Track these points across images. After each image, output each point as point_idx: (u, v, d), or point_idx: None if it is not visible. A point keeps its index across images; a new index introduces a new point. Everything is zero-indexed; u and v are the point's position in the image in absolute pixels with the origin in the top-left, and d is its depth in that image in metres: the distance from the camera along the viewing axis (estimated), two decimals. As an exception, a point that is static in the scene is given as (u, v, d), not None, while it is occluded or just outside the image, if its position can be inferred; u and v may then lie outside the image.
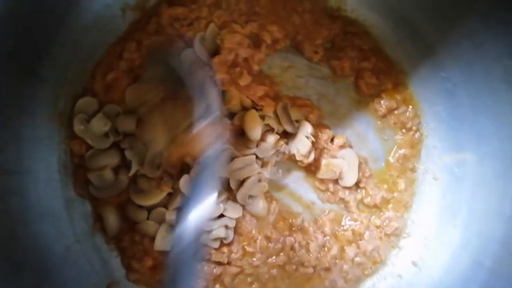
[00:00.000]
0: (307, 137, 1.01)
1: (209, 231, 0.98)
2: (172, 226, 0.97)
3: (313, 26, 1.04)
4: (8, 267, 0.78)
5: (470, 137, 0.95)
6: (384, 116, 1.07)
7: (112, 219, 0.96)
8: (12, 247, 0.80)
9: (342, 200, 1.05)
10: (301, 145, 1.01)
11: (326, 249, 1.02)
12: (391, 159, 1.07)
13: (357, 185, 1.05)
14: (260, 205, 1.02)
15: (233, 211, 1.00)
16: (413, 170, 1.06)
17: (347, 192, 1.05)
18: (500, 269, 0.83)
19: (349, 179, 1.03)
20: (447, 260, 0.94)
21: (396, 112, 1.06)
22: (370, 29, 1.06)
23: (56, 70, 0.89)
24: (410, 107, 1.06)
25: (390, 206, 1.05)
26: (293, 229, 1.03)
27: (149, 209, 0.98)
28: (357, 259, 1.02)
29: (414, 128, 1.05)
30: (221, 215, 0.99)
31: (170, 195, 0.99)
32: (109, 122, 0.94)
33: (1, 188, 0.80)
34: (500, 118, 0.88)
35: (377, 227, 1.04)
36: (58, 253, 0.89)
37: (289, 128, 1.02)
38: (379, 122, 1.08)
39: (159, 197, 0.97)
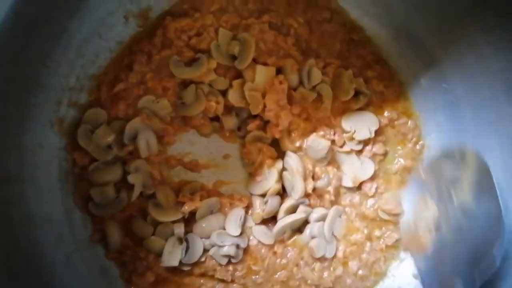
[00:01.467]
0: (370, 131, 1.02)
1: (221, 247, 0.97)
2: (180, 240, 0.97)
3: (328, 38, 1.05)
4: (10, 276, 0.77)
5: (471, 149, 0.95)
6: (385, 127, 1.07)
7: (115, 235, 0.96)
8: (13, 255, 0.80)
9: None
10: (361, 132, 1.03)
11: (332, 269, 1.01)
12: (392, 170, 1.06)
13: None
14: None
15: (265, 237, 1.01)
16: (414, 181, 1.06)
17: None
18: (502, 284, 0.82)
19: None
20: (448, 273, 0.94)
21: (396, 122, 1.06)
22: (373, 39, 1.06)
23: (58, 77, 0.89)
24: (410, 117, 1.06)
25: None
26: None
27: (155, 225, 0.98)
28: (360, 272, 1.01)
29: (414, 139, 1.05)
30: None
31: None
32: (113, 134, 0.94)
33: (2, 195, 0.80)
34: (503, 131, 0.88)
35: (378, 238, 1.04)
36: (58, 261, 0.88)
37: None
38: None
39: (177, 215, 0.97)
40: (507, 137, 0.88)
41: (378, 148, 1.05)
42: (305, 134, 1.03)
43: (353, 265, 1.01)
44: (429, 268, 0.89)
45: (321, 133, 1.02)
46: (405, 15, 0.97)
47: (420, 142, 1.05)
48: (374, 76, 1.06)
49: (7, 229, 0.80)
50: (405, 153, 1.06)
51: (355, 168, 1.04)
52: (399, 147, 1.06)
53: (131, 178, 0.94)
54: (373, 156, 1.05)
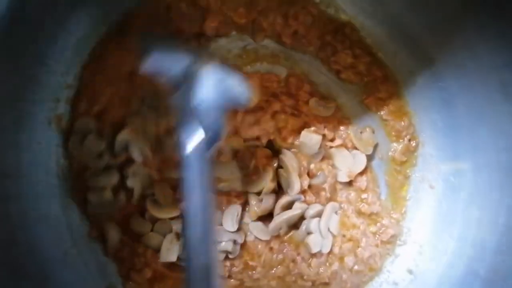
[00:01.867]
0: None
1: (218, 242, 0.98)
2: (178, 236, 0.98)
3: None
4: (7, 272, 0.77)
5: (466, 147, 0.95)
6: (379, 123, 1.09)
7: (113, 234, 0.96)
8: (11, 252, 0.80)
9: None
10: None
11: (328, 264, 1.02)
12: (387, 167, 1.08)
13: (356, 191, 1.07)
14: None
15: (261, 233, 1.02)
16: (409, 178, 1.07)
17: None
18: (495, 278, 0.84)
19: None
20: (442, 268, 0.95)
21: (390, 120, 1.07)
22: (367, 37, 1.06)
23: (56, 75, 0.89)
24: (404, 115, 1.07)
25: (386, 213, 1.06)
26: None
27: (153, 221, 0.98)
28: (356, 267, 1.02)
29: (408, 136, 1.06)
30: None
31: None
32: (103, 142, 0.94)
33: (-1, 192, 0.80)
34: (497, 129, 0.89)
35: (373, 233, 1.05)
36: (56, 257, 0.88)
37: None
38: (376, 130, 1.09)
39: (175, 212, 0.98)
40: (501, 134, 0.88)
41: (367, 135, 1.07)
42: (295, 130, 1.04)
43: (349, 260, 1.02)
44: None
45: (312, 128, 1.03)
46: (400, 13, 0.97)
47: (415, 140, 1.06)
48: (368, 75, 1.07)
49: (4, 225, 0.80)
50: (400, 149, 1.06)
51: (348, 162, 1.06)
52: (394, 144, 1.07)
53: (130, 183, 0.95)
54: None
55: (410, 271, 1.01)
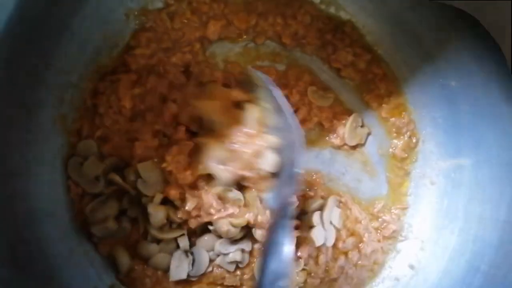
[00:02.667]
0: None
1: (226, 254, 0.97)
2: (185, 252, 0.97)
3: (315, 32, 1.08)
4: (13, 270, 0.77)
5: (467, 143, 0.97)
6: (379, 121, 1.10)
7: (124, 259, 0.95)
8: (17, 249, 0.80)
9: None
10: None
11: (333, 259, 1.02)
12: (388, 163, 1.09)
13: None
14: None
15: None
16: (410, 174, 1.08)
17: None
18: (496, 273, 0.85)
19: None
20: (444, 264, 0.96)
21: (390, 117, 1.09)
22: (368, 35, 1.07)
23: (60, 74, 0.89)
24: (404, 112, 1.08)
25: (387, 209, 1.07)
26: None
27: (158, 241, 0.97)
28: (360, 262, 1.03)
29: (409, 133, 1.07)
30: (240, 238, 0.99)
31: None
32: (101, 165, 0.94)
33: (6, 191, 0.80)
34: (498, 127, 0.90)
35: (376, 229, 1.06)
36: (62, 255, 0.88)
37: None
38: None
39: (176, 233, 0.97)
40: (502, 132, 0.90)
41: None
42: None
43: (353, 255, 1.02)
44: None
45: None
46: (401, 11, 0.98)
47: (416, 136, 1.07)
48: (369, 72, 1.08)
49: (11, 223, 0.80)
50: (400, 146, 1.07)
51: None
52: (394, 141, 1.08)
53: (132, 213, 0.95)
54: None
55: (411, 267, 1.02)
